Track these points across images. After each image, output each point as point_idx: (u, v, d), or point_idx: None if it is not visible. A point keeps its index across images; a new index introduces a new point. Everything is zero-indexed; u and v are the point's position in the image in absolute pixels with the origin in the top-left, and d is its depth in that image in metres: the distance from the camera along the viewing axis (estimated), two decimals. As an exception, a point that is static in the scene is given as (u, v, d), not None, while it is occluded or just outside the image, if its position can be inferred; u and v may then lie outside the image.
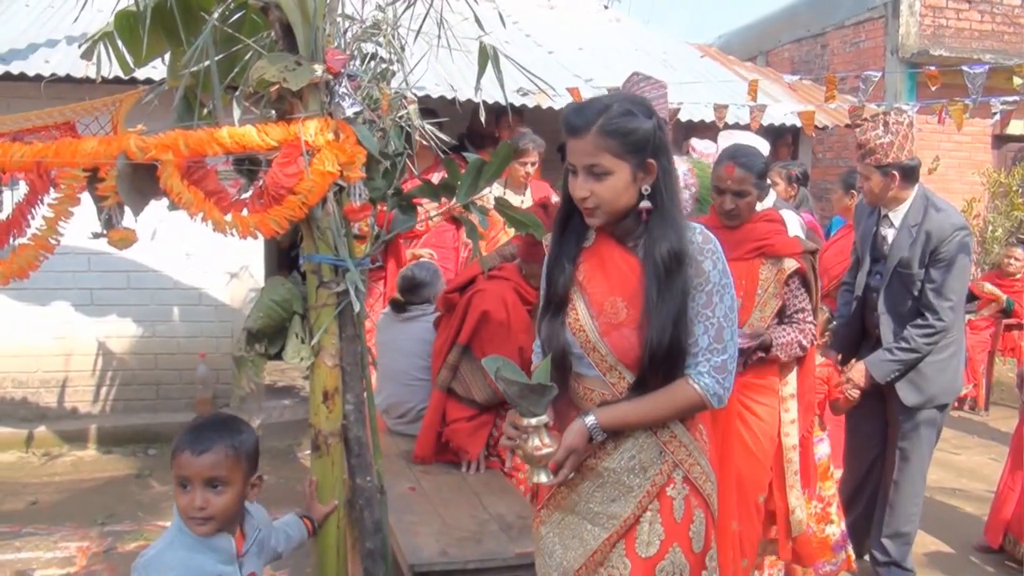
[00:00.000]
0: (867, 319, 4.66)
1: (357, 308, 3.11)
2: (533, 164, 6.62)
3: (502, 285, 4.58)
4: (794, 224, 4.94)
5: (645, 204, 2.37)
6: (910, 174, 4.40)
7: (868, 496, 4.82)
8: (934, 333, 4.34)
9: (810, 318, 3.92)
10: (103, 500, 5.95)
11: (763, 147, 4.92)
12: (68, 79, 6.37)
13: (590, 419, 2.37)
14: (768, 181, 3.82)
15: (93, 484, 6.32)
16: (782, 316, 3.92)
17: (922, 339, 4.34)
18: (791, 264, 3.85)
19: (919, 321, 4.36)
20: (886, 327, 4.49)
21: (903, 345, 4.37)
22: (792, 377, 3.98)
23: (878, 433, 4.72)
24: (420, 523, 3.77)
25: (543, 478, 2.36)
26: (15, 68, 6.63)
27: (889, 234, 4.50)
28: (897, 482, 4.56)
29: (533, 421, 2.33)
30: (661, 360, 2.33)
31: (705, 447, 2.52)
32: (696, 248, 2.39)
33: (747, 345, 3.68)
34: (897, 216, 4.46)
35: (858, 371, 4.47)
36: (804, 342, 3.89)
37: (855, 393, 4.47)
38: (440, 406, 4.50)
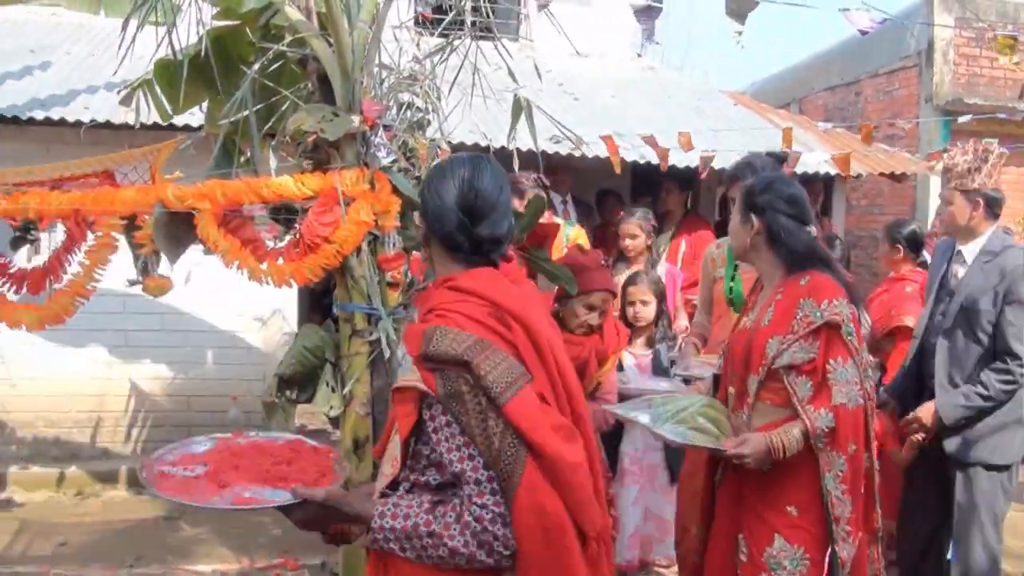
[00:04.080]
0: (924, 367, 4.32)
1: (388, 356, 3.11)
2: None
3: None
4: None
5: None
6: (993, 205, 4.15)
7: (932, 570, 4.46)
8: (1013, 381, 4.00)
9: None
10: (132, 542, 5.94)
11: None
12: (107, 125, 6.47)
13: None
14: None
15: (123, 526, 6.31)
16: None
17: (1000, 384, 3.99)
18: None
19: (998, 365, 4.01)
20: (941, 370, 4.17)
21: (980, 391, 4.01)
22: None
23: (938, 501, 4.34)
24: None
25: None
26: (55, 114, 6.74)
27: (960, 270, 4.21)
28: (960, 566, 4.19)
29: None
30: None
31: None
32: None
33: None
34: (971, 251, 4.18)
35: (927, 411, 4.12)
36: None
37: (919, 437, 4.15)
38: None
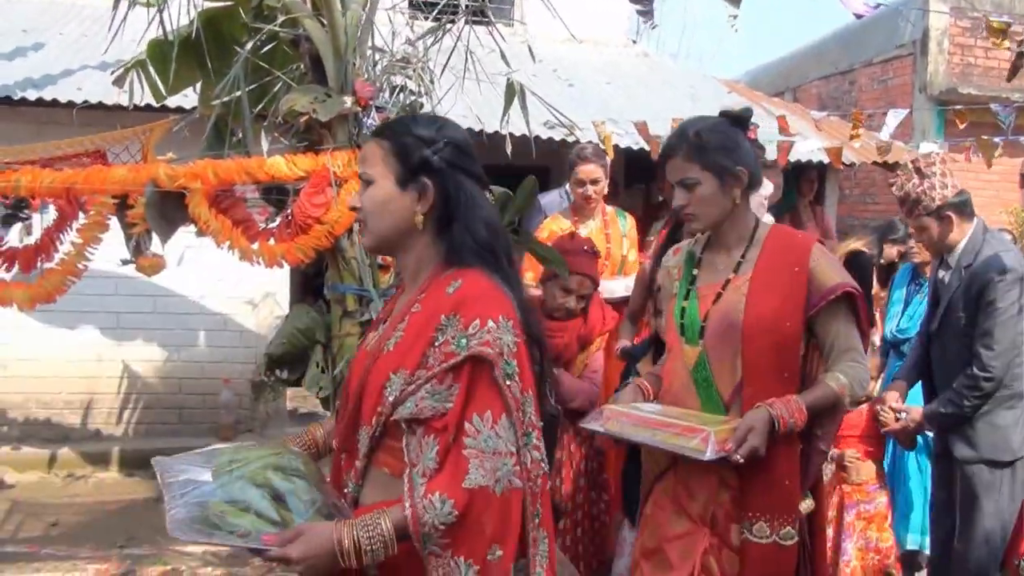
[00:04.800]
0: (929, 367, 4.32)
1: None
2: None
3: None
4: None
5: None
6: (964, 209, 4.08)
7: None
8: (976, 388, 3.93)
9: None
10: (123, 523, 5.94)
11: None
12: (100, 106, 6.45)
13: None
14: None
15: (114, 507, 6.32)
16: None
17: (967, 391, 3.95)
18: None
19: (967, 372, 3.96)
20: (937, 375, 4.20)
21: (952, 397, 3.99)
22: None
23: (953, 499, 4.27)
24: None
25: None
26: (48, 94, 6.72)
27: (947, 276, 4.16)
28: (958, 553, 4.14)
29: None
30: None
31: None
32: None
33: None
34: (953, 256, 4.12)
35: (916, 412, 4.18)
36: None
37: (908, 424, 4.17)
38: None
